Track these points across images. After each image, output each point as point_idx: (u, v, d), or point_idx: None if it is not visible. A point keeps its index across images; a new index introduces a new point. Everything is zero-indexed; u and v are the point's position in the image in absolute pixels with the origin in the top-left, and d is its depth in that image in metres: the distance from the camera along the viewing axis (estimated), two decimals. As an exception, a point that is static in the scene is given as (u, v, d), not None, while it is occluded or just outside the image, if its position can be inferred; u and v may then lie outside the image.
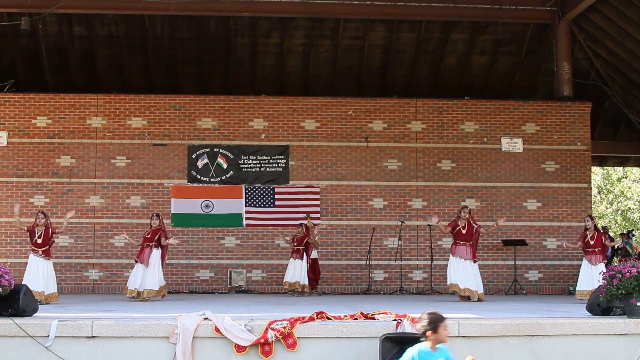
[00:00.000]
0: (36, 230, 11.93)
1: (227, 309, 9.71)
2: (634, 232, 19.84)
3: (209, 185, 16.23)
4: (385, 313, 7.91)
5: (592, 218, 13.09)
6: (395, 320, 7.50)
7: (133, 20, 17.19)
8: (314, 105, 16.65)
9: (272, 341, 7.21)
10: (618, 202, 32.40)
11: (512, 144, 16.74)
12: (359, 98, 16.95)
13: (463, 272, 12.64)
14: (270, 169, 16.35)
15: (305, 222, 14.91)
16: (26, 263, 12.11)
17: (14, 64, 17.70)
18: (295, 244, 14.58)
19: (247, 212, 16.19)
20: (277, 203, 16.23)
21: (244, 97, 16.73)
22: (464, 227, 12.80)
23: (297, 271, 14.40)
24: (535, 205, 16.66)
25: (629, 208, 31.96)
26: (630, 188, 32.26)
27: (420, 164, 16.59)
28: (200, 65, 18.00)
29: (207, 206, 16.11)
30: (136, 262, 12.97)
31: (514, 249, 16.22)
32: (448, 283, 12.90)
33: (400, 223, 15.98)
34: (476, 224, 12.98)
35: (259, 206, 16.19)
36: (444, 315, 5.68)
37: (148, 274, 12.70)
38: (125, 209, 16.08)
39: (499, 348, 7.47)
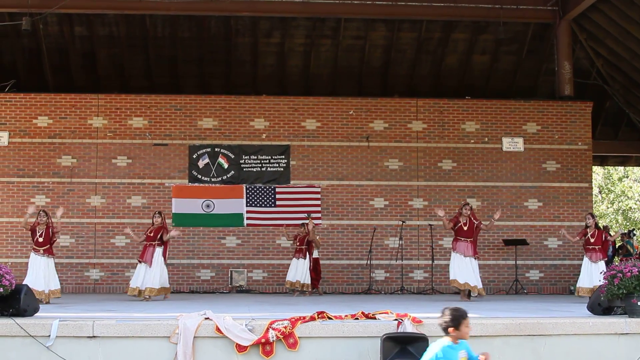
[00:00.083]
0: (37, 229, 11.92)
1: (228, 308, 9.70)
2: (634, 232, 19.78)
3: (210, 185, 16.22)
4: (386, 313, 7.92)
5: (593, 216, 13.18)
6: (396, 320, 7.51)
7: (134, 20, 17.20)
8: (315, 105, 16.64)
9: (273, 341, 7.22)
10: (619, 202, 32.37)
11: (513, 144, 16.72)
12: (359, 98, 16.94)
13: (463, 268, 12.89)
14: (271, 169, 16.34)
15: (306, 222, 14.91)
16: (27, 263, 12.11)
17: (15, 63, 17.72)
18: (297, 243, 14.60)
19: (248, 212, 16.18)
20: (278, 203, 16.22)
21: (245, 97, 16.72)
22: (465, 224, 13.02)
23: (299, 270, 14.40)
24: (536, 204, 16.65)
25: (630, 207, 31.94)
26: (631, 187, 32.24)
27: (421, 163, 16.58)
28: (201, 65, 18.00)
29: (208, 206, 16.11)
30: (139, 262, 12.98)
31: (515, 249, 16.21)
32: (450, 279, 13.14)
33: (401, 223, 15.98)
34: (477, 220, 13.18)
35: (260, 206, 16.19)
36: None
37: (150, 273, 12.72)
38: (126, 209, 16.08)
39: (500, 347, 7.47)
